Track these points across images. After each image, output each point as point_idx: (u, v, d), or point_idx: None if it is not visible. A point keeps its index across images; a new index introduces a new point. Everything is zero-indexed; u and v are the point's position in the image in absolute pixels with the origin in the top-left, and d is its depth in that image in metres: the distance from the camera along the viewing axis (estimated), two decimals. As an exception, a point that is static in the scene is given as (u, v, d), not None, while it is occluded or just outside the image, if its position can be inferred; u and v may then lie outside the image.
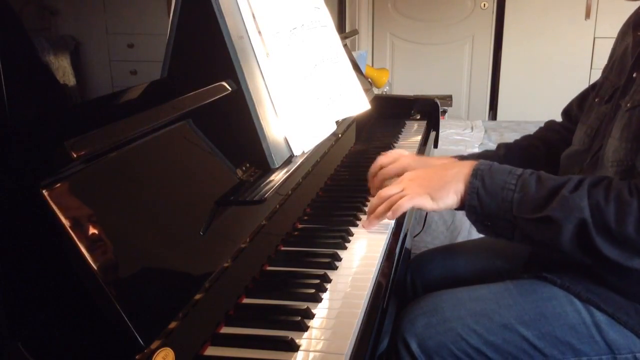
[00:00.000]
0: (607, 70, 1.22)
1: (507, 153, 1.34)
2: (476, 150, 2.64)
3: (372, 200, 1.12)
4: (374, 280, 0.95)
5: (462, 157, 1.34)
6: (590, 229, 0.91)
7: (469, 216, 1.02)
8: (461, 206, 1.03)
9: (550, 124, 1.42)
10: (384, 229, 1.10)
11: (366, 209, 1.23)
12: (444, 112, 3.64)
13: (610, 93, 1.14)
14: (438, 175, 1.05)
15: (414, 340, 1.04)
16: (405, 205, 1.05)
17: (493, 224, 1.00)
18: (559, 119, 1.43)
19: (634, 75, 1.07)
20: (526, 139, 1.39)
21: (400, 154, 1.29)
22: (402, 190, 1.07)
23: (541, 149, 1.35)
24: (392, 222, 1.12)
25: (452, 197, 1.02)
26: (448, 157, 1.35)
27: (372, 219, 1.10)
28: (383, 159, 1.28)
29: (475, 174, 1.00)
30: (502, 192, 0.98)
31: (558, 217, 0.92)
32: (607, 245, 0.91)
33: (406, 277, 1.35)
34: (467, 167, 1.02)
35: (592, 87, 1.27)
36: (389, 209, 1.06)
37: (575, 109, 1.35)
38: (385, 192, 1.10)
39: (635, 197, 0.90)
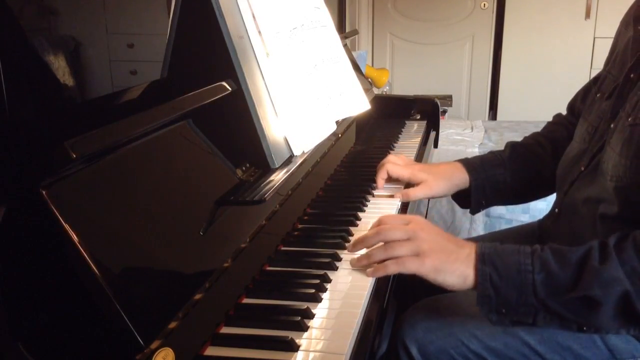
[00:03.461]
0: (610, 62, 1.19)
1: (512, 154, 1.34)
2: (476, 150, 2.63)
3: (371, 234, 0.98)
4: (374, 280, 0.95)
5: (466, 160, 1.34)
6: (633, 298, 0.85)
7: (481, 306, 0.92)
8: (457, 290, 0.94)
9: (557, 119, 1.41)
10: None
11: (366, 209, 1.23)
12: (444, 112, 3.64)
13: (611, 90, 1.12)
14: (451, 248, 0.94)
15: (414, 344, 1.04)
16: (393, 269, 0.93)
17: (510, 311, 0.91)
18: None
19: (632, 75, 1.05)
20: (534, 137, 1.39)
21: (411, 161, 1.37)
22: (408, 240, 0.94)
23: (547, 147, 1.34)
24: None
25: (454, 277, 0.92)
26: (452, 162, 1.35)
27: (363, 260, 0.96)
28: (393, 157, 1.35)
29: (483, 259, 0.91)
30: (520, 275, 0.89)
31: (597, 295, 0.86)
32: None
33: (405, 278, 1.34)
34: (474, 251, 0.93)
35: (595, 80, 1.25)
36: (386, 257, 0.95)
37: (579, 103, 1.33)
38: (389, 232, 0.96)
39: None
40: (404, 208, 1.29)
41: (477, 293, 0.92)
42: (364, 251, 1.00)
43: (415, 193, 1.29)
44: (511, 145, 1.37)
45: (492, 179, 1.32)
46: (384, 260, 0.95)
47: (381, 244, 0.96)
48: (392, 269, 0.93)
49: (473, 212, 1.38)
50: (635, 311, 0.86)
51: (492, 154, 1.37)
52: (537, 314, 0.90)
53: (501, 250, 0.93)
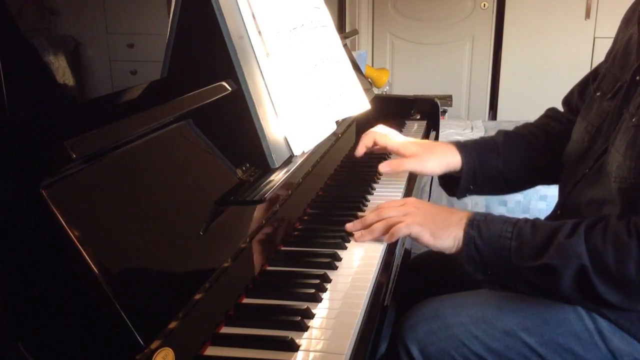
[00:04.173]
0: (609, 60, 1.17)
1: (506, 141, 1.31)
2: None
3: (370, 215, 1.09)
4: (374, 280, 0.95)
5: (459, 142, 1.31)
6: (590, 274, 0.90)
7: (468, 267, 1.00)
8: (455, 253, 1.02)
9: (551, 113, 1.38)
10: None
11: (366, 209, 1.23)
12: (444, 112, 3.63)
13: (612, 89, 1.10)
14: (443, 216, 1.03)
15: (415, 346, 1.04)
16: (403, 231, 1.02)
17: (494, 274, 0.99)
18: None
19: (637, 78, 1.03)
20: (527, 127, 1.36)
21: (400, 134, 1.33)
22: (404, 215, 1.04)
23: (541, 139, 1.32)
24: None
25: (450, 240, 1.01)
26: (445, 142, 1.33)
27: (367, 234, 1.06)
28: (381, 126, 1.33)
29: (471, 224, 1.00)
30: (499, 241, 0.97)
31: (557, 265, 0.92)
32: (608, 290, 0.90)
33: (406, 279, 1.34)
34: (466, 216, 1.01)
35: (594, 77, 1.22)
36: (386, 229, 1.04)
37: (577, 99, 1.30)
38: (386, 211, 1.06)
39: (634, 238, 0.88)
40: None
41: (463, 252, 0.99)
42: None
43: (404, 164, 1.23)
44: (504, 133, 1.33)
45: (485, 163, 1.28)
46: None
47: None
48: (404, 230, 1.01)
49: (459, 197, 1.34)
50: (591, 286, 0.91)
51: (486, 139, 1.33)
52: (515, 279, 0.97)
53: (490, 219, 1.00)
